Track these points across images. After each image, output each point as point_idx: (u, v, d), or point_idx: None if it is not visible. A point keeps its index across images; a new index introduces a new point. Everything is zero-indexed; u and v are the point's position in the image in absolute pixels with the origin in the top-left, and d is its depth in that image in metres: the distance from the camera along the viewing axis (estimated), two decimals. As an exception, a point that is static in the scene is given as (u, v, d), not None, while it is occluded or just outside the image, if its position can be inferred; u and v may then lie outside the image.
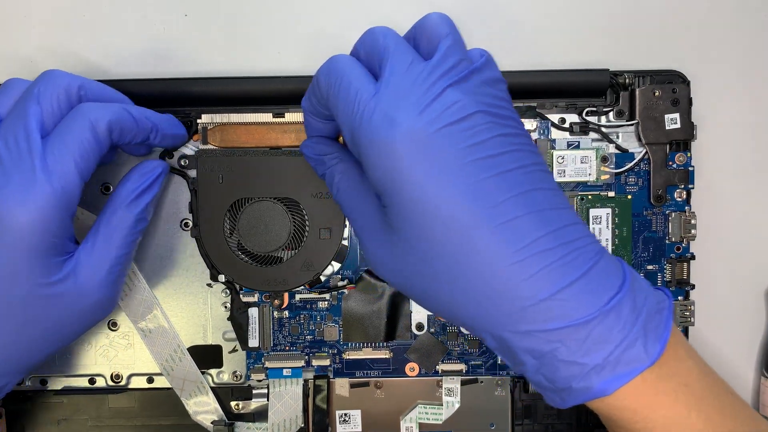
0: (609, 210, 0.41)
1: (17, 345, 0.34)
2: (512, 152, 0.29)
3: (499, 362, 0.41)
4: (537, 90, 0.40)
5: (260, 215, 0.39)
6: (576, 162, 0.40)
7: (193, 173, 0.40)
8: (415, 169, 0.28)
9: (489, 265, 0.28)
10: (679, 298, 0.41)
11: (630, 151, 0.41)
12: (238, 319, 0.41)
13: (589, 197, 0.40)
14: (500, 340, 0.29)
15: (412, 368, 0.41)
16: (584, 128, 0.41)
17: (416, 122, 0.28)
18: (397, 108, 0.28)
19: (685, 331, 0.41)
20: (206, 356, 0.41)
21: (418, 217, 0.29)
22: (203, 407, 0.41)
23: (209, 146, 0.40)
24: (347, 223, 0.40)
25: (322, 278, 0.41)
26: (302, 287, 0.40)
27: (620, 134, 0.41)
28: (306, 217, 0.39)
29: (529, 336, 0.28)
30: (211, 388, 0.41)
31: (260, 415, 0.42)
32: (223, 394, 0.42)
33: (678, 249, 0.41)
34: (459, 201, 0.28)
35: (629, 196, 0.41)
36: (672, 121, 0.40)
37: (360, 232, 0.33)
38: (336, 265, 0.41)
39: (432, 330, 0.41)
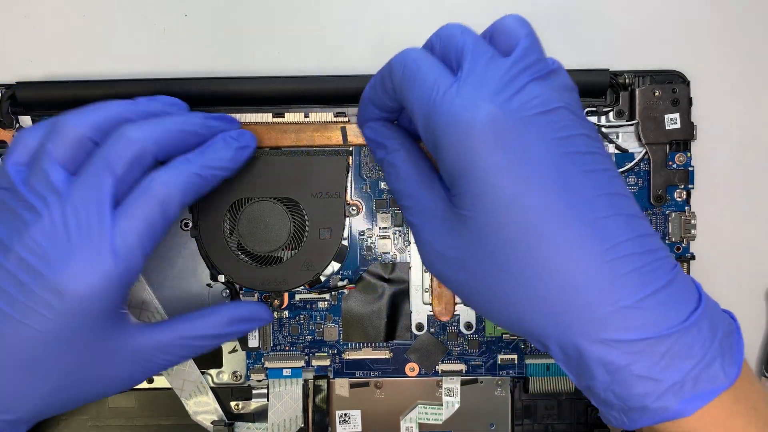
0: (609, 210, 0.40)
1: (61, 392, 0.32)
2: (596, 154, 0.28)
3: (499, 362, 0.41)
4: (537, 90, 0.40)
5: (260, 215, 0.39)
6: (576, 162, 0.40)
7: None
8: (497, 153, 0.27)
9: (574, 262, 0.26)
10: (679, 298, 0.41)
11: (630, 151, 0.41)
12: (238, 319, 0.41)
13: (589, 197, 0.40)
14: (572, 348, 0.27)
15: (412, 368, 0.41)
16: (584, 128, 0.41)
17: (501, 108, 0.27)
18: (480, 94, 0.27)
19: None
20: (206, 356, 0.41)
21: (496, 205, 0.27)
22: (203, 407, 0.41)
23: (209, 146, 0.40)
24: (347, 222, 0.40)
25: (322, 278, 0.41)
26: (302, 287, 0.40)
27: (620, 134, 0.41)
28: (306, 217, 0.39)
29: (606, 346, 0.27)
30: (211, 388, 0.41)
31: (260, 415, 0.42)
32: (222, 394, 0.42)
33: (678, 249, 0.41)
34: (549, 193, 0.26)
35: (629, 196, 0.41)
36: (672, 121, 0.40)
37: (417, 220, 0.31)
38: (336, 265, 0.41)
39: (432, 330, 0.41)
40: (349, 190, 0.40)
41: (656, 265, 0.27)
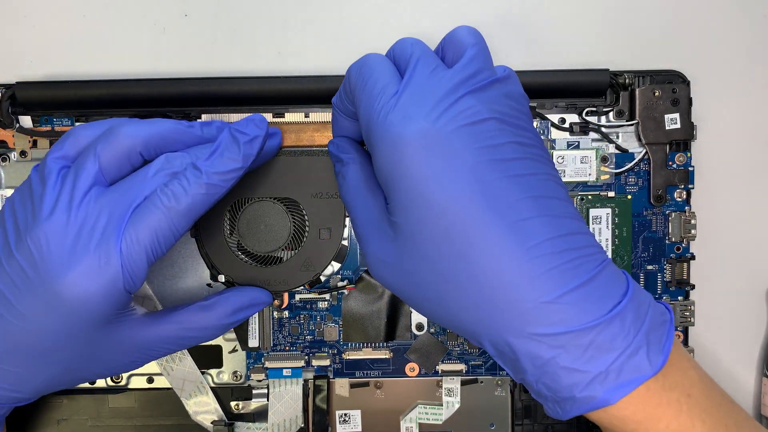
0: (609, 210, 0.41)
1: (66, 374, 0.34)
2: (525, 159, 0.29)
3: (499, 362, 0.41)
4: (537, 90, 0.40)
5: (260, 215, 0.39)
6: (576, 162, 0.40)
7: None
8: (424, 164, 0.28)
9: (497, 262, 0.28)
10: (679, 298, 0.41)
11: (630, 151, 0.41)
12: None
13: (589, 197, 0.40)
14: (503, 344, 0.29)
15: (412, 368, 0.41)
16: (584, 128, 0.41)
17: (429, 121, 0.28)
18: (414, 108, 0.29)
19: (685, 331, 0.42)
20: (206, 356, 0.41)
21: (424, 213, 0.28)
22: (203, 407, 0.41)
23: (209, 146, 0.40)
24: (347, 223, 0.40)
25: (322, 278, 0.41)
26: (302, 287, 0.40)
27: (620, 134, 0.41)
28: (306, 217, 0.39)
29: (531, 340, 0.28)
30: (211, 388, 0.41)
31: (260, 415, 0.42)
32: (223, 394, 0.42)
33: (678, 249, 0.41)
34: (469, 198, 0.28)
35: (629, 196, 0.41)
36: (672, 121, 0.40)
37: (361, 230, 0.33)
38: (336, 265, 0.41)
39: (432, 330, 0.41)
40: None
41: (580, 262, 0.28)
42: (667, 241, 0.41)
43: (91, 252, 0.30)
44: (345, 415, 0.42)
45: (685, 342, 0.41)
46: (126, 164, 0.33)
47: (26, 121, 0.40)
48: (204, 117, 0.40)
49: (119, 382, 0.41)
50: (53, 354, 0.32)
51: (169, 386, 0.41)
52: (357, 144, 0.35)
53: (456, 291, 0.29)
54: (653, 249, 0.41)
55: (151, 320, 0.34)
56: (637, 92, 0.40)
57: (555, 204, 0.29)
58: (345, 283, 0.41)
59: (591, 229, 0.40)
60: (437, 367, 0.41)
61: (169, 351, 0.35)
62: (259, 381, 0.41)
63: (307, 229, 0.39)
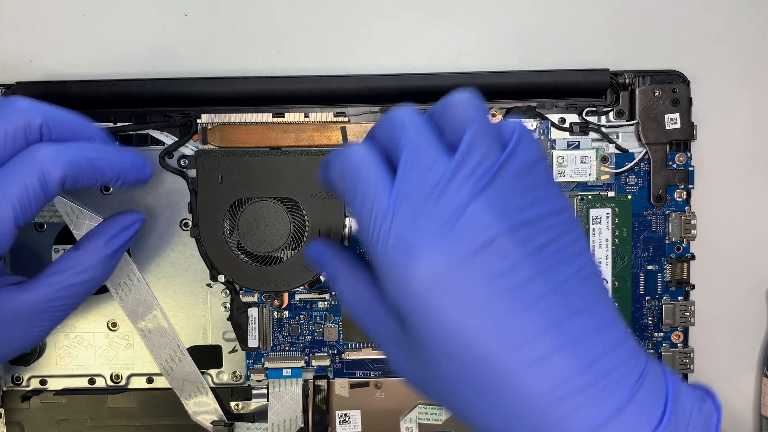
0: (609, 210, 0.41)
1: None
2: (546, 270, 0.27)
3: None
4: (537, 90, 0.40)
5: (260, 215, 0.39)
6: (576, 162, 0.40)
7: (192, 173, 0.40)
8: (438, 305, 0.26)
9: (517, 405, 0.26)
10: (679, 298, 0.41)
11: (630, 151, 0.41)
12: (237, 319, 0.41)
13: (589, 197, 0.40)
14: None
15: (412, 368, 0.41)
16: (584, 128, 0.41)
17: (437, 254, 0.26)
18: (414, 232, 0.26)
19: (685, 331, 0.41)
20: (206, 356, 0.41)
21: (443, 347, 0.27)
22: (203, 407, 0.41)
23: (209, 146, 0.40)
24: (347, 222, 0.40)
25: (322, 278, 0.40)
26: (302, 287, 0.40)
27: (620, 134, 0.41)
28: (306, 217, 0.39)
29: None
30: (211, 388, 0.41)
31: (260, 415, 0.42)
32: (222, 394, 0.42)
33: (678, 249, 0.41)
34: (487, 338, 0.26)
35: (629, 196, 0.41)
36: (672, 121, 0.40)
37: (381, 345, 0.31)
38: (336, 265, 0.41)
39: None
40: None
41: (611, 390, 0.26)
42: (667, 241, 0.41)
43: None
44: (345, 415, 0.42)
45: (685, 342, 0.41)
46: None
47: (26, 121, 0.40)
48: (204, 117, 0.40)
49: (119, 382, 0.41)
50: None
51: (169, 386, 0.41)
52: (340, 250, 0.33)
53: (483, 417, 0.27)
54: (653, 249, 0.41)
55: (26, 286, 0.33)
56: (637, 92, 0.40)
57: (580, 320, 0.27)
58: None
59: (591, 230, 0.40)
60: (437, 367, 0.41)
61: (66, 307, 0.33)
62: (259, 381, 0.41)
63: (307, 228, 0.39)
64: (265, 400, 0.41)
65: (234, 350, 0.42)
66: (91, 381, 0.42)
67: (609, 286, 0.41)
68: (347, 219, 0.40)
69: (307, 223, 0.39)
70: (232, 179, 0.39)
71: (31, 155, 0.30)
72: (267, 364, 0.41)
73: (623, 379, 0.26)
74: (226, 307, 0.41)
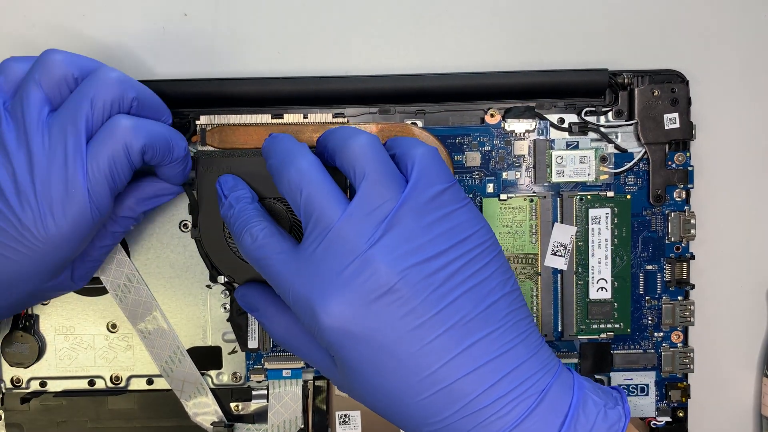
0: (608, 210, 0.40)
1: None
2: (447, 307, 0.30)
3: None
4: (536, 90, 0.40)
5: None
6: (575, 162, 0.40)
7: (192, 174, 0.40)
8: (350, 347, 0.30)
9: (430, 423, 0.30)
10: (679, 298, 0.41)
11: (629, 151, 0.41)
12: (237, 320, 0.41)
13: (588, 197, 0.40)
14: None
15: (411, 369, 0.41)
16: (583, 128, 0.41)
17: (341, 304, 0.29)
18: (316, 286, 0.30)
19: (685, 331, 0.41)
20: (206, 357, 0.41)
21: (366, 378, 0.30)
22: (203, 408, 0.41)
23: (208, 147, 0.40)
24: None
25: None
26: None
27: (619, 134, 0.41)
28: None
29: None
30: (211, 389, 0.41)
31: (260, 416, 0.42)
32: (222, 395, 0.42)
33: (677, 249, 0.41)
34: (399, 373, 0.29)
35: (628, 196, 0.41)
36: (671, 120, 0.40)
37: (318, 370, 0.35)
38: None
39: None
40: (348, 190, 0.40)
41: (509, 407, 0.29)
42: (666, 241, 0.41)
43: (60, 183, 0.31)
44: (345, 416, 0.42)
45: (685, 342, 0.41)
46: (65, 89, 0.33)
47: (25, 122, 0.40)
48: (203, 118, 0.40)
49: (119, 384, 0.41)
50: (17, 288, 0.33)
51: (169, 388, 0.41)
52: (266, 292, 0.36)
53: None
54: (653, 249, 0.41)
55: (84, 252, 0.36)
56: (636, 92, 0.40)
57: (479, 347, 0.30)
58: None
59: (590, 230, 0.40)
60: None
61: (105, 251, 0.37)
62: (259, 382, 0.41)
63: None
64: (265, 401, 0.41)
65: (234, 351, 0.42)
66: (91, 383, 0.42)
67: (608, 286, 0.41)
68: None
69: None
70: None
71: (114, 127, 0.32)
72: (267, 365, 0.41)
73: (524, 395, 0.30)
74: (225, 308, 0.41)
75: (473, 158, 0.41)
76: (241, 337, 0.41)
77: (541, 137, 0.41)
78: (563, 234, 0.40)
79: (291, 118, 0.40)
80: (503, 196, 0.40)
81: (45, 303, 0.41)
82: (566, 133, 0.41)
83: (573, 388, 0.31)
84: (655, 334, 0.41)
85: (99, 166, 0.32)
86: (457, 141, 0.41)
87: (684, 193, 0.41)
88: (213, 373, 0.42)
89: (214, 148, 0.40)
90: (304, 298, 0.30)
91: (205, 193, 0.39)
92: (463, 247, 0.30)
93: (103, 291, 0.40)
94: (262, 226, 0.33)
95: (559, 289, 0.41)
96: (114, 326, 0.41)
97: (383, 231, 0.30)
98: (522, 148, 0.41)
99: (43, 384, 0.42)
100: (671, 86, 0.40)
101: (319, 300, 0.30)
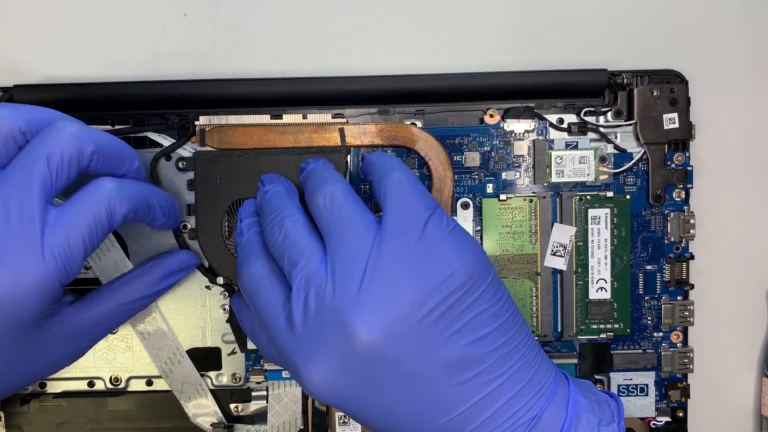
0: (608, 210, 0.40)
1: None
2: (435, 352, 0.29)
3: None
4: (535, 90, 0.40)
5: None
6: (574, 162, 0.40)
7: (190, 175, 0.40)
8: (340, 406, 0.30)
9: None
10: (679, 298, 0.41)
11: (628, 151, 0.41)
12: (236, 321, 0.41)
13: (588, 197, 0.40)
14: None
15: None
16: (582, 128, 0.41)
17: (324, 378, 0.29)
18: (304, 357, 0.30)
19: (685, 331, 0.41)
20: (205, 359, 0.41)
21: (359, 421, 0.31)
22: (202, 410, 0.41)
23: (207, 148, 0.40)
24: None
25: None
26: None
27: (618, 134, 0.41)
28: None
29: None
30: (210, 390, 0.41)
31: (260, 417, 0.42)
32: (222, 396, 0.42)
33: (677, 249, 0.41)
34: (385, 419, 0.30)
35: (628, 197, 0.41)
36: (670, 120, 0.40)
37: None
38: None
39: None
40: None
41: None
42: (666, 241, 0.41)
43: (13, 245, 0.29)
44: (345, 416, 0.42)
45: (685, 342, 0.41)
46: (12, 147, 0.31)
47: (24, 123, 0.40)
48: (202, 119, 0.40)
49: (118, 385, 0.41)
50: None
51: (168, 389, 0.41)
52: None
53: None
54: (652, 249, 0.41)
55: (83, 305, 0.34)
56: (635, 92, 0.40)
57: (464, 390, 0.29)
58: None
59: (590, 230, 0.40)
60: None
61: (109, 330, 0.36)
62: (259, 383, 0.41)
63: None
64: (265, 401, 0.41)
65: (233, 352, 0.42)
66: (91, 384, 0.41)
67: (608, 286, 0.41)
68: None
69: None
70: (230, 180, 0.39)
71: (98, 190, 0.31)
72: (266, 366, 0.41)
73: (514, 426, 0.29)
74: (225, 309, 0.41)
75: (472, 158, 0.41)
76: (241, 338, 0.41)
77: (541, 137, 0.41)
78: (563, 234, 0.40)
79: (290, 118, 0.40)
80: (503, 197, 0.40)
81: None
82: (565, 133, 0.41)
83: (567, 407, 0.30)
84: (655, 334, 0.41)
85: (76, 230, 0.30)
86: (456, 141, 0.41)
87: (683, 193, 0.41)
88: (212, 374, 0.42)
89: (212, 149, 0.40)
90: (288, 354, 0.30)
91: (202, 193, 0.39)
92: (451, 283, 0.29)
93: (102, 292, 0.40)
94: (260, 264, 0.32)
95: (558, 289, 0.41)
96: (113, 327, 0.41)
97: (359, 286, 0.29)
98: (521, 148, 0.41)
99: (42, 385, 0.41)
100: (670, 86, 0.40)
101: (302, 364, 0.30)
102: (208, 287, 0.41)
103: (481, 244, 0.40)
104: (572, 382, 0.33)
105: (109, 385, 0.41)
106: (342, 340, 0.29)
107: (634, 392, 0.41)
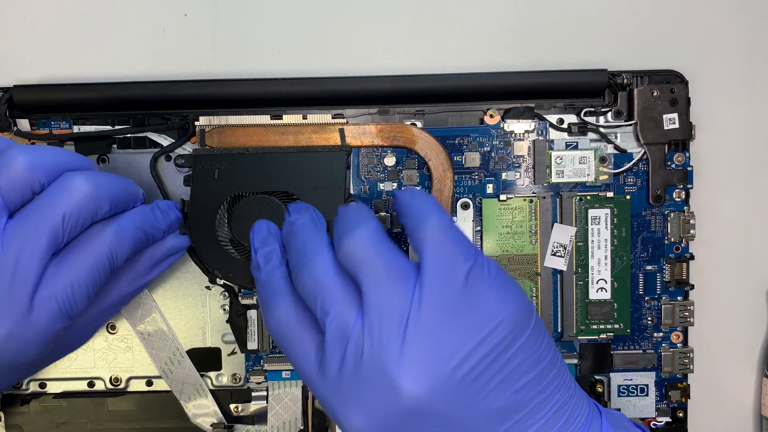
0: (608, 210, 0.40)
1: None
2: (479, 404, 0.28)
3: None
4: (535, 90, 0.40)
5: (256, 210, 0.37)
6: (574, 162, 0.40)
7: (187, 171, 0.39)
8: None
9: None
10: (679, 298, 0.41)
11: (628, 151, 0.41)
12: (236, 321, 0.41)
13: (588, 198, 0.40)
14: None
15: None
16: (582, 129, 0.41)
17: (366, 428, 0.28)
18: (344, 407, 0.29)
19: (685, 331, 0.41)
20: (205, 359, 0.41)
21: None
22: (202, 410, 0.41)
23: (207, 148, 0.40)
24: None
25: None
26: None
27: (618, 134, 0.41)
28: None
29: None
30: (210, 390, 0.41)
31: (260, 417, 0.42)
32: (222, 396, 0.42)
33: (677, 249, 0.41)
34: None
35: (628, 197, 0.41)
36: (670, 121, 0.40)
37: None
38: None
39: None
40: (349, 186, 0.40)
41: None
42: (666, 241, 0.41)
43: (11, 298, 0.30)
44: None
45: (685, 342, 0.41)
46: (28, 194, 0.31)
47: (24, 124, 0.40)
48: (202, 119, 0.40)
49: (118, 385, 0.41)
50: None
51: (168, 389, 0.41)
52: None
53: None
54: (652, 249, 0.41)
55: (80, 319, 0.35)
56: (635, 92, 0.40)
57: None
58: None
59: (590, 230, 0.40)
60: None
61: (96, 330, 0.37)
62: (258, 383, 0.41)
63: None
64: (265, 402, 0.41)
65: (233, 353, 0.42)
66: (91, 384, 0.41)
67: (608, 286, 0.41)
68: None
69: None
70: (228, 176, 0.38)
71: (97, 238, 0.32)
72: (266, 366, 0.41)
73: None
74: (225, 309, 0.41)
75: (472, 159, 0.41)
76: (241, 338, 0.41)
77: (541, 138, 0.41)
78: (563, 234, 0.40)
79: (290, 118, 0.40)
80: (503, 197, 0.40)
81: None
82: (565, 133, 0.41)
83: None
84: (655, 334, 0.41)
85: (80, 276, 0.31)
86: (456, 141, 0.41)
87: (683, 193, 0.41)
88: (212, 374, 0.42)
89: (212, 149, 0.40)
90: (326, 401, 0.29)
91: (198, 189, 0.38)
92: (496, 335, 0.28)
93: (102, 292, 0.40)
94: (287, 307, 0.31)
95: (558, 289, 0.41)
96: (113, 328, 0.41)
97: (401, 340, 0.28)
98: (521, 148, 0.41)
99: (42, 385, 0.41)
100: (670, 86, 0.40)
101: (342, 412, 0.29)
102: (208, 287, 0.41)
103: (481, 244, 0.40)
104: (604, 416, 0.31)
105: (109, 386, 0.41)
106: (386, 394, 0.28)
107: (634, 392, 0.41)
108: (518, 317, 0.29)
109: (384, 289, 0.28)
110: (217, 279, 0.40)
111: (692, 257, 0.41)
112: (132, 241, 0.33)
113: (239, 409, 0.42)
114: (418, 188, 0.39)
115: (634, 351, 0.41)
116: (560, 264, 0.40)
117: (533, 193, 0.41)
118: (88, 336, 0.37)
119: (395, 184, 0.41)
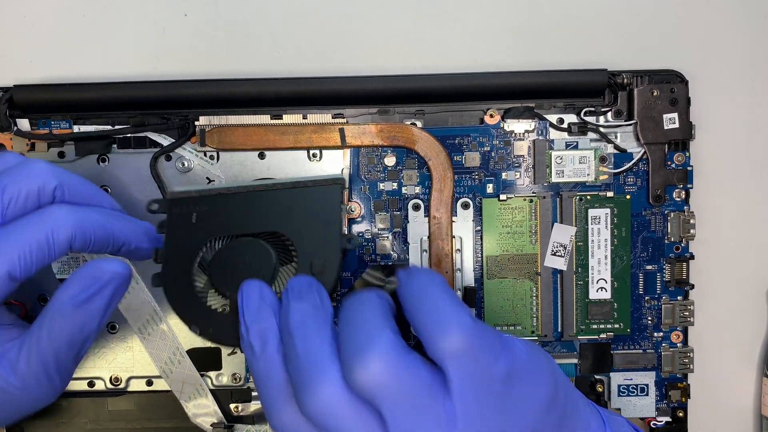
0: (608, 210, 0.40)
1: None
2: None
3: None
4: (535, 90, 0.40)
5: (241, 255, 0.32)
6: (574, 162, 0.40)
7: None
8: None
9: None
10: (679, 298, 0.41)
11: (628, 151, 0.41)
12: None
13: (588, 197, 0.40)
14: None
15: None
16: (582, 128, 0.41)
17: None
18: None
19: (685, 331, 0.41)
20: (205, 359, 0.41)
21: None
22: (202, 410, 0.41)
23: (207, 148, 0.40)
24: (341, 253, 0.33)
25: None
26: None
27: (619, 134, 0.41)
28: (294, 251, 0.32)
29: None
30: (211, 390, 0.41)
31: (260, 417, 0.42)
32: (222, 396, 0.42)
33: (677, 249, 0.41)
34: None
35: (628, 197, 0.41)
36: (670, 120, 0.40)
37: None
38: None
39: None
40: (344, 223, 0.39)
41: None
42: (666, 241, 0.41)
43: None
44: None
45: (685, 342, 0.41)
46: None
47: (24, 124, 0.40)
48: (202, 119, 0.40)
49: (118, 385, 0.41)
50: None
51: (169, 389, 0.41)
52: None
53: None
54: (652, 249, 0.41)
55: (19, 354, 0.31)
56: (635, 92, 0.40)
57: None
58: (345, 291, 0.41)
59: (590, 230, 0.40)
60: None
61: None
62: (259, 383, 0.41)
63: (294, 263, 0.32)
64: (265, 402, 0.41)
65: (233, 352, 0.42)
66: (91, 384, 0.41)
67: (608, 286, 0.41)
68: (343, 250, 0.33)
69: (294, 258, 0.32)
70: (207, 218, 0.32)
71: (43, 214, 0.30)
72: (266, 366, 0.41)
73: None
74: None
75: (472, 158, 0.41)
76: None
77: (541, 137, 0.41)
78: (563, 234, 0.40)
79: (290, 118, 0.40)
80: (503, 197, 0.40)
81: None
82: (565, 133, 0.41)
83: None
84: (655, 334, 0.41)
85: (7, 249, 0.29)
86: (456, 141, 0.41)
87: (683, 193, 0.41)
88: (212, 374, 0.42)
89: (212, 148, 0.40)
90: None
91: (173, 238, 0.32)
92: (534, 422, 0.26)
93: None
94: (292, 417, 0.26)
95: (558, 289, 0.41)
96: (113, 328, 0.41)
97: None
98: (521, 148, 0.41)
99: (42, 385, 0.41)
100: (670, 86, 0.40)
101: None
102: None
103: (481, 244, 0.41)
104: (608, 425, 0.29)
105: (109, 385, 0.41)
106: None
107: (634, 392, 0.41)
108: (550, 396, 0.26)
109: (411, 418, 0.24)
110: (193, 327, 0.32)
111: (692, 257, 0.41)
112: (79, 225, 0.30)
113: (239, 408, 0.42)
114: (425, 269, 0.35)
115: (634, 351, 0.41)
116: (560, 264, 0.40)
117: (533, 192, 0.41)
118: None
119: (395, 184, 0.41)
